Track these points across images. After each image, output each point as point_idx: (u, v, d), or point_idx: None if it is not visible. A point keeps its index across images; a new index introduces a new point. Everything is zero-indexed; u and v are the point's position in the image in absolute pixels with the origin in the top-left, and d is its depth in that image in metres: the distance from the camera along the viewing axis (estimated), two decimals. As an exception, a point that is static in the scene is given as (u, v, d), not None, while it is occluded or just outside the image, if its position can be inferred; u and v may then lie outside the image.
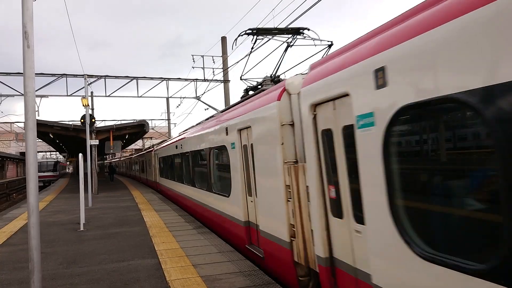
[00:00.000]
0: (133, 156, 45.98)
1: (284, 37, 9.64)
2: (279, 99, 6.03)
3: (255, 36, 9.75)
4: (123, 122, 32.65)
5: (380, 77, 3.61)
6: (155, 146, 26.67)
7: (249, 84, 10.32)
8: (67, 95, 25.81)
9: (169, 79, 28.28)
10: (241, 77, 11.64)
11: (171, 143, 18.21)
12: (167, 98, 33.68)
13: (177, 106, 33.75)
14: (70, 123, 27.01)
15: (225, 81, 26.47)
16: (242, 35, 10.06)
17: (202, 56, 26.57)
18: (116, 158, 79.08)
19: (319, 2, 10.32)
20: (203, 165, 11.85)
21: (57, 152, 70.13)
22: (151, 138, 55.86)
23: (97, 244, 9.32)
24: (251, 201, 7.77)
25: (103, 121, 43.33)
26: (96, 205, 17.53)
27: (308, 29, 9.21)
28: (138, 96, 28.00)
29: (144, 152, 34.63)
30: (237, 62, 19.13)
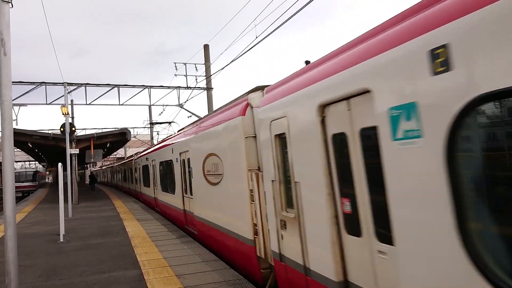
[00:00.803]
0: (138, 157, 24.18)
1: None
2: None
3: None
4: (104, 130, 32.19)
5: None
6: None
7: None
8: (47, 104, 25.37)
9: (151, 86, 28.08)
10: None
11: None
12: (149, 106, 33.40)
13: (160, 114, 33.54)
14: (50, 132, 26.51)
15: (208, 88, 26.43)
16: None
17: (185, 64, 26.51)
18: (106, 164, 64.86)
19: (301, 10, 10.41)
20: None
21: (36, 162, 68.71)
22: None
23: (77, 256, 9.10)
24: None
25: (84, 130, 42.77)
26: (77, 216, 17.17)
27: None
28: (119, 104, 27.70)
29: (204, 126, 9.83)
30: (221, 69, 19.14)
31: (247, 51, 14.92)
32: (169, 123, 21.77)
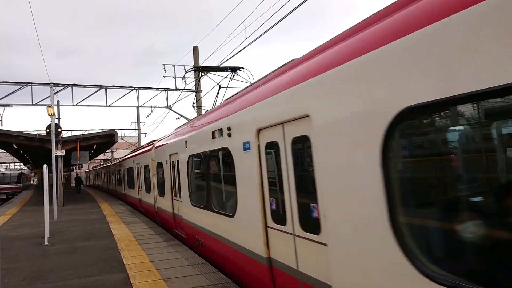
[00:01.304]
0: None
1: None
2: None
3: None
4: (91, 132, 31.74)
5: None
6: None
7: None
8: (32, 104, 25.00)
9: (139, 88, 27.88)
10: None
11: None
12: (137, 108, 33.20)
13: (148, 116, 33.34)
14: (35, 133, 26.10)
15: (197, 90, 26.32)
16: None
17: (174, 66, 26.36)
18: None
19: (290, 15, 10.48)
20: None
21: (21, 163, 67.66)
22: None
23: (62, 259, 8.96)
24: None
25: (70, 131, 42.09)
26: (62, 218, 16.93)
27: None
28: (107, 106, 27.43)
29: None
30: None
31: (237, 52, 14.95)
32: (196, 91, 17.88)
